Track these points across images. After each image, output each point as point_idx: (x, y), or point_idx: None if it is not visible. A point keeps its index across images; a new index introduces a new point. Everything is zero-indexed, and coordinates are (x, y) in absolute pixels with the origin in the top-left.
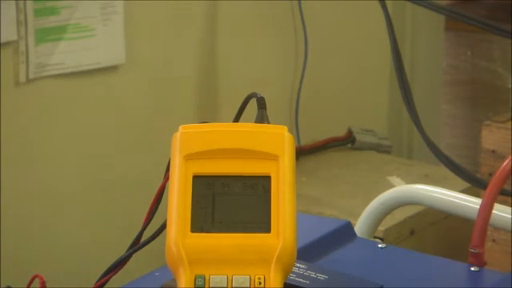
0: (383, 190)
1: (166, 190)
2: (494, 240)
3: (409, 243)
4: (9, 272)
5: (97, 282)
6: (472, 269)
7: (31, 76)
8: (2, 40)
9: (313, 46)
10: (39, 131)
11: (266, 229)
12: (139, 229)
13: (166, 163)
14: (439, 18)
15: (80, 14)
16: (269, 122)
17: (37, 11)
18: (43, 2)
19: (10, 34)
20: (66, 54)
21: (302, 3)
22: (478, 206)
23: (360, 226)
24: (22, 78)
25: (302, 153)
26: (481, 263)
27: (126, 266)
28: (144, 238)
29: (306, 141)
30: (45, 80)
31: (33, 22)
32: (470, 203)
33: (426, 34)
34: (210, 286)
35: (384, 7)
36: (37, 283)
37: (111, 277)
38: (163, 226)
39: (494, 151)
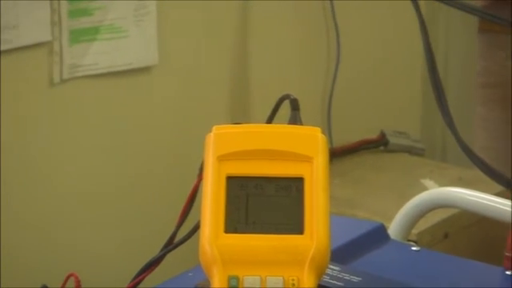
0: (416, 193)
1: (199, 190)
2: None
3: (442, 246)
4: (44, 271)
5: (131, 281)
6: (507, 273)
7: (65, 76)
8: (37, 41)
9: (345, 47)
10: (72, 131)
11: (300, 230)
12: (172, 229)
13: (199, 164)
14: (473, 20)
15: (113, 14)
16: (302, 124)
17: (71, 12)
18: (77, 3)
19: (44, 35)
20: (100, 55)
21: (334, 3)
22: None
23: (394, 229)
24: (56, 79)
25: (334, 155)
26: None
27: (159, 266)
28: (177, 239)
29: (338, 143)
30: (78, 80)
31: (67, 23)
32: (505, 206)
33: (459, 36)
34: (244, 286)
35: (417, 8)
36: (72, 282)
37: (145, 277)
38: (197, 227)
39: None
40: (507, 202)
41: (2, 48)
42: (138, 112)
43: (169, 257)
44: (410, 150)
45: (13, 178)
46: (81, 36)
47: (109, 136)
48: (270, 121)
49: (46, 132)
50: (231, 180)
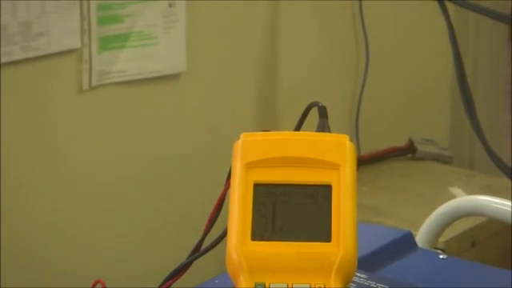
0: (444, 201)
1: (226, 197)
2: None
3: (470, 255)
4: (71, 275)
5: None
6: None
7: (94, 83)
8: (66, 48)
9: (374, 54)
10: (101, 137)
11: (327, 238)
12: (198, 236)
13: (227, 171)
14: (503, 27)
15: (143, 22)
16: (330, 131)
17: (100, 19)
18: (107, 11)
19: (74, 42)
20: (129, 62)
21: (363, 9)
22: None
23: (421, 237)
24: (85, 85)
25: (362, 162)
26: None
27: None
28: (204, 245)
29: (366, 150)
30: (107, 87)
31: (96, 30)
32: None
33: (489, 43)
34: None
35: (446, 14)
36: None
37: (171, 283)
38: (224, 234)
39: None
40: None
41: (32, 55)
42: (167, 119)
43: (195, 263)
44: (437, 158)
45: (42, 183)
46: (110, 43)
47: (137, 143)
48: (297, 128)
49: (74, 138)
50: (258, 187)
